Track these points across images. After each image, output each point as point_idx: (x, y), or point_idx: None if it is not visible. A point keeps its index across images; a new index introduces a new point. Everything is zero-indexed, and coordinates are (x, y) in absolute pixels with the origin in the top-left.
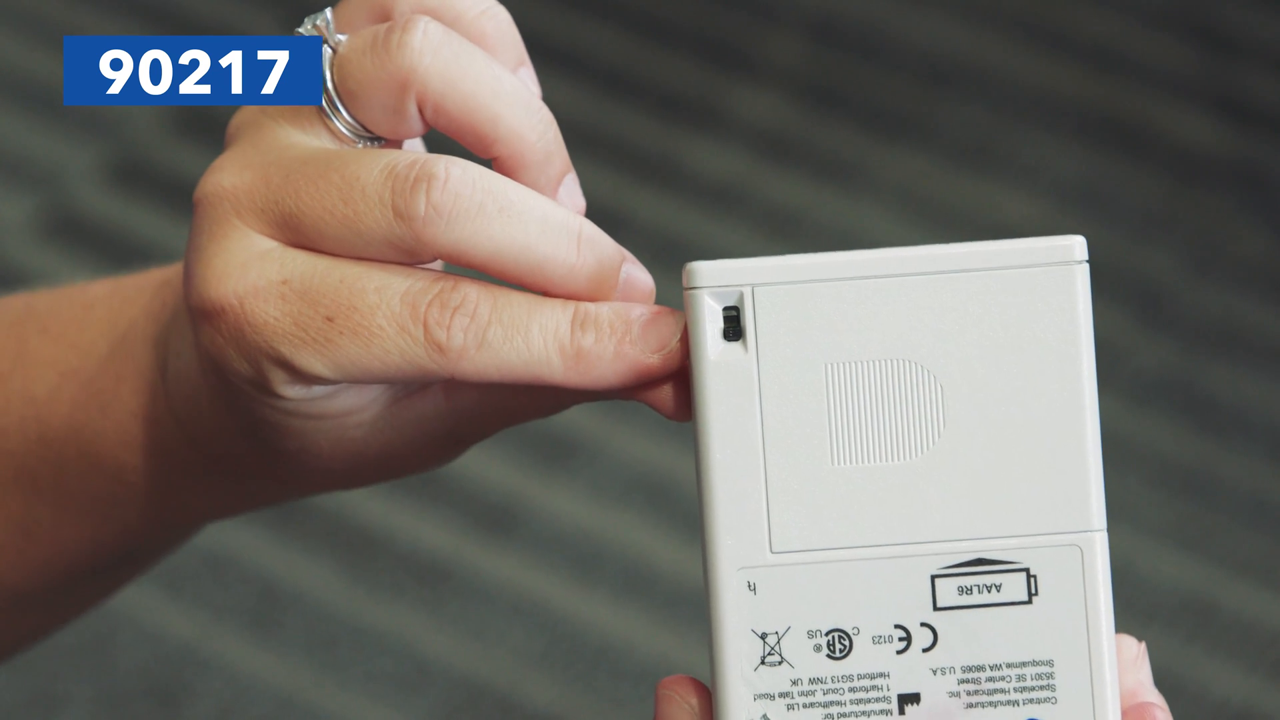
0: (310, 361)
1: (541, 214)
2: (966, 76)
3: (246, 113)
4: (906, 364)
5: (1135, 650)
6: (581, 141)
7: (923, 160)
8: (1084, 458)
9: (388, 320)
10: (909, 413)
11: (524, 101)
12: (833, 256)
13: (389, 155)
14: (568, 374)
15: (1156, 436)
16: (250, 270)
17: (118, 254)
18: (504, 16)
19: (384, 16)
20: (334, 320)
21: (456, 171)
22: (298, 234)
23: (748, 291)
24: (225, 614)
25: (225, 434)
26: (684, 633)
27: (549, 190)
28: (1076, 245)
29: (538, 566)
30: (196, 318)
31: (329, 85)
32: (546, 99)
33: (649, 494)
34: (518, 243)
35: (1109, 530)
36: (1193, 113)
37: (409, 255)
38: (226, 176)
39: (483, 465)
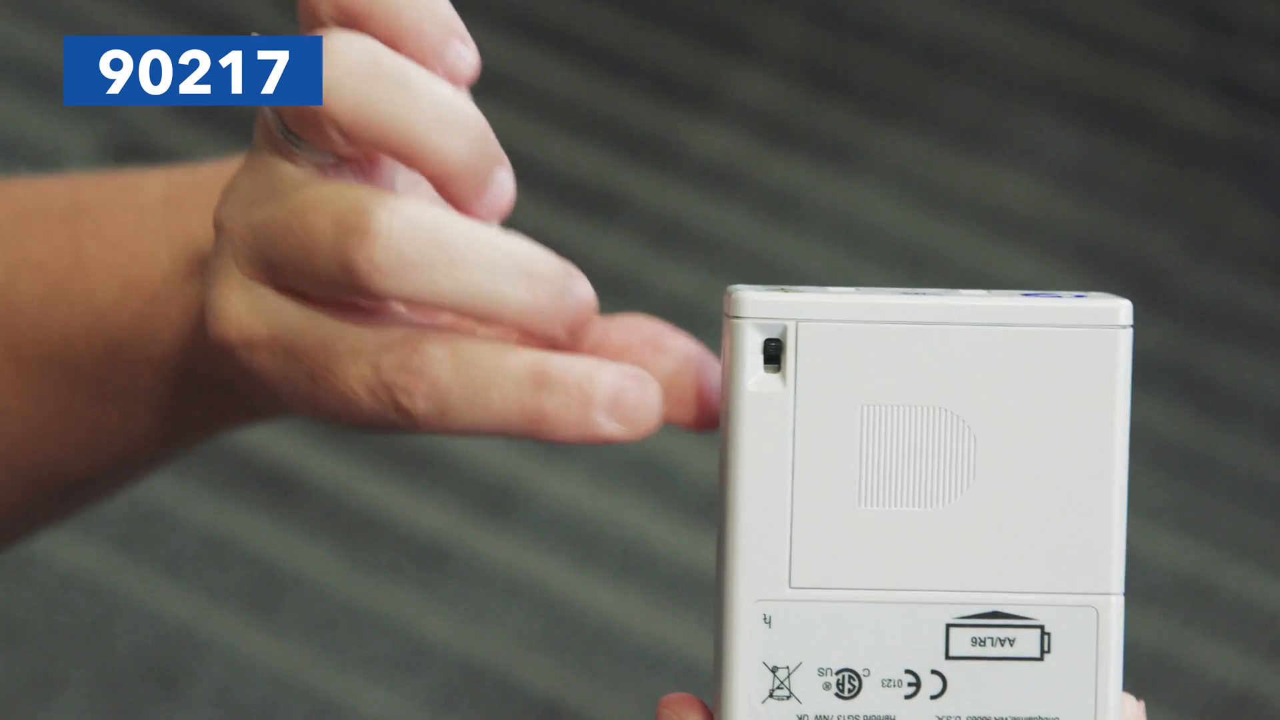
0: (299, 409)
1: (490, 260)
2: (965, 58)
3: (257, 129)
4: (942, 412)
5: (1134, 710)
6: (579, 123)
7: (921, 142)
8: (1108, 522)
9: (360, 385)
10: (940, 461)
11: (437, 117)
12: (879, 297)
13: (343, 198)
14: (532, 433)
15: (1155, 418)
16: (245, 321)
17: None
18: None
19: (312, 19)
20: (315, 380)
21: (399, 225)
22: (280, 282)
23: (791, 326)
24: (224, 596)
25: None
26: (682, 614)
27: (474, 199)
28: (1123, 310)
29: (536, 548)
30: (211, 342)
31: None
32: (544, 81)
33: (647, 476)
34: (466, 292)
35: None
36: (1192, 94)
37: (371, 301)
38: (230, 209)
39: (481, 447)
